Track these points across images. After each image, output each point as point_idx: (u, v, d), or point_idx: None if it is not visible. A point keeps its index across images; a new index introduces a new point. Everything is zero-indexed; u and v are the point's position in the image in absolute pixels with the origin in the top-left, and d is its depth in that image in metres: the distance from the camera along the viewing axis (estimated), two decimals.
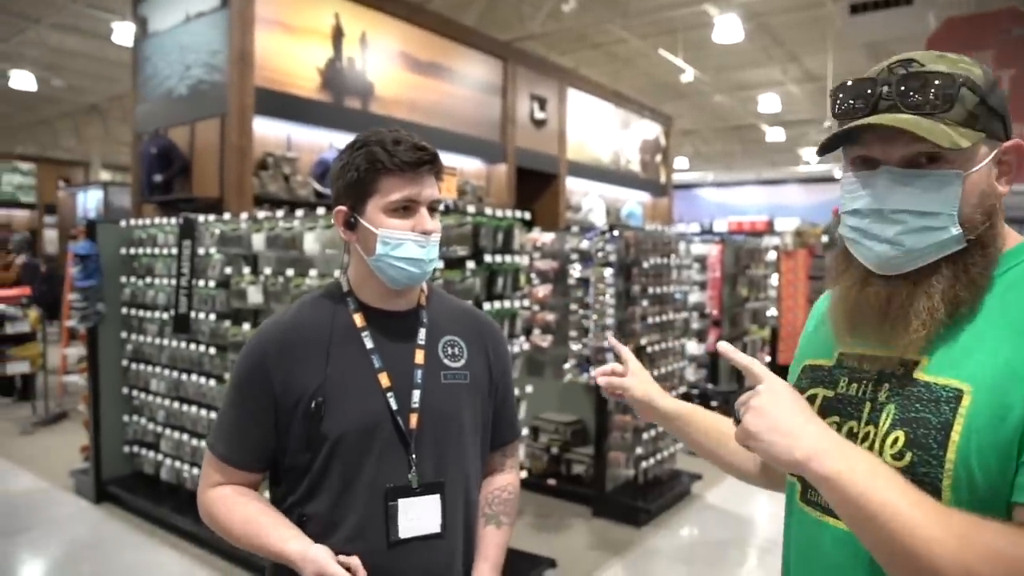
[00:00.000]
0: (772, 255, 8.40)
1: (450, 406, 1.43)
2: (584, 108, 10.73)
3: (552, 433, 5.39)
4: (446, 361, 1.46)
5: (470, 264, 3.46)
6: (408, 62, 7.68)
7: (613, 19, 9.27)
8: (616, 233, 5.00)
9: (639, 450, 5.01)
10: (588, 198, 10.62)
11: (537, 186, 10.00)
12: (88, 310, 4.81)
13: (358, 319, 1.42)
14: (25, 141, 18.04)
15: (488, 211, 3.68)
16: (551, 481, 5.28)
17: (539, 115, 9.66)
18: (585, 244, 5.17)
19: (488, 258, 3.56)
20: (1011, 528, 0.78)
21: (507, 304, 3.69)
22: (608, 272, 4.97)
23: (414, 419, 1.38)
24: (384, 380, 1.38)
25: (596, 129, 11.11)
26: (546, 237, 5.48)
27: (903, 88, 0.93)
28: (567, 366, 5.23)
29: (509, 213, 3.78)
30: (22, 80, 11.91)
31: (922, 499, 0.81)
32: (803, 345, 1.19)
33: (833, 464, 0.84)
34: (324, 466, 1.35)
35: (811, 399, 1.05)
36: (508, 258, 3.69)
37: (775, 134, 16.39)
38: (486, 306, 3.54)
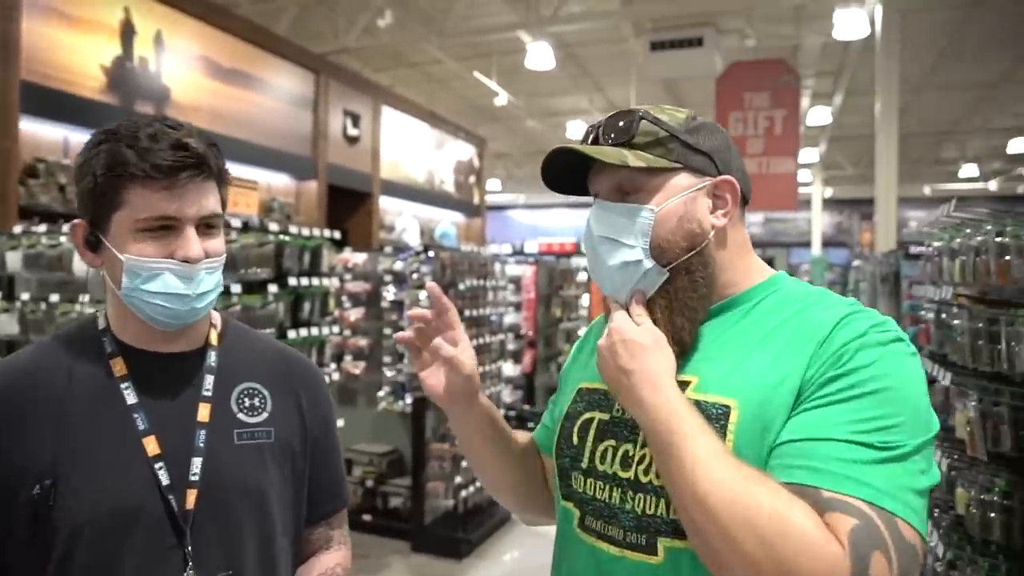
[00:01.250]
0: (583, 276, 8.66)
1: (245, 473, 1.11)
2: (399, 127, 10.58)
3: (366, 465, 5.13)
4: (241, 416, 1.14)
5: (272, 288, 3.16)
6: (210, 68, 7.11)
7: (429, 38, 9.23)
8: (432, 254, 4.87)
9: (458, 479, 4.88)
10: (402, 218, 10.46)
11: (350, 204, 9.68)
12: None
13: (117, 366, 1.09)
14: None
15: (293, 229, 3.41)
16: (367, 516, 5.00)
17: (352, 131, 9.37)
18: (399, 265, 4.99)
19: (293, 281, 3.28)
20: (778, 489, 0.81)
21: (315, 331, 3.42)
22: (423, 294, 4.82)
23: (192, 497, 1.06)
24: (152, 446, 1.05)
25: (411, 148, 10.99)
26: (358, 258, 5.24)
27: (605, 125, 1.01)
28: (381, 394, 5.00)
29: (317, 232, 3.53)
30: None
31: (718, 441, 0.85)
32: (576, 368, 1.20)
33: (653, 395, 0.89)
34: (59, 571, 1.00)
35: (588, 422, 1.06)
36: (315, 280, 3.43)
37: None
38: (291, 334, 3.25)
